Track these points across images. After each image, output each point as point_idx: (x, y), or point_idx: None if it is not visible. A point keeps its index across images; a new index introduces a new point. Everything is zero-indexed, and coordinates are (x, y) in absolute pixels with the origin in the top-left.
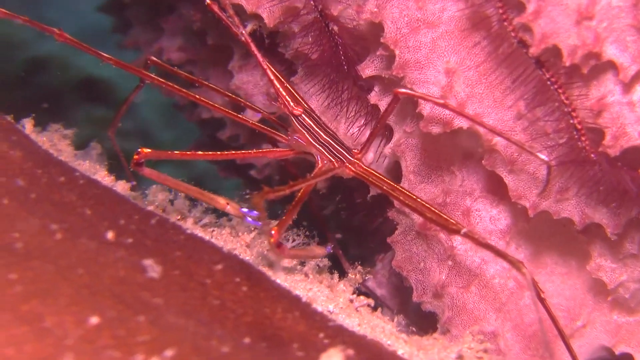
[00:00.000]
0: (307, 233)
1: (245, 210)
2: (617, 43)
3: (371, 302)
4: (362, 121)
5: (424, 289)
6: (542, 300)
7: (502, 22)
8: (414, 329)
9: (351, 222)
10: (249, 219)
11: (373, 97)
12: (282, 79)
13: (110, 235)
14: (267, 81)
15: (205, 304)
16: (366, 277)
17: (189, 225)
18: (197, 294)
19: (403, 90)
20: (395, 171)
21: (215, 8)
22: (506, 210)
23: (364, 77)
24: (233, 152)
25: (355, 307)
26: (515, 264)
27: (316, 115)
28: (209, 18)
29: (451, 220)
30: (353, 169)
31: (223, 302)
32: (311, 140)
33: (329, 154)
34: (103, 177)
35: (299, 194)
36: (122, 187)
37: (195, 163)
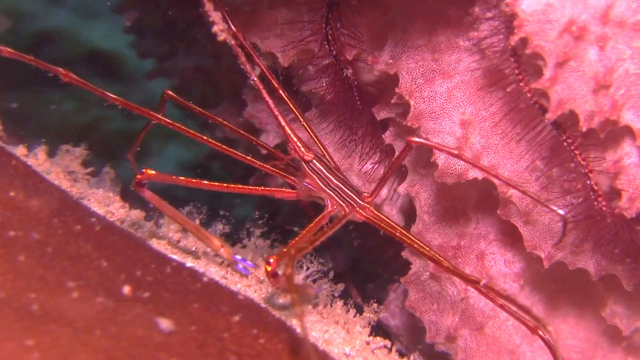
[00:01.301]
0: (321, 260)
1: (238, 257)
2: (635, 109)
3: (388, 343)
4: (376, 158)
5: (437, 330)
6: None
7: (518, 82)
8: None
9: (364, 251)
10: (240, 266)
11: (388, 137)
12: (300, 115)
13: (127, 290)
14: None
15: None
16: (381, 316)
17: (203, 264)
18: (214, 350)
19: (417, 139)
20: (409, 210)
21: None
22: (521, 253)
23: (378, 119)
24: (240, 186)
25: (372, 350)
26: (537, 322)
27: (327, 159)
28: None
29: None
30: (364, 213)
31: (241, 357)
32: (321, 185)
33: (340, 199)
34: (117, 208)
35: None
36: (136, 215)
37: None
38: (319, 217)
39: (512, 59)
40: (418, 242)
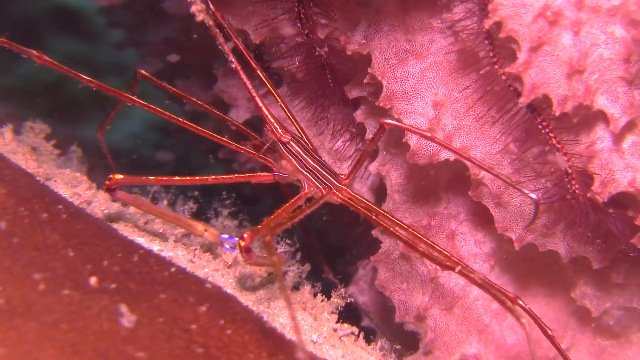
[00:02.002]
0: (288, 241)
1: (225, 237)
2: (608, 94)
3: (355, 330)
4: (348, 136)
5: (406, 309)
6: (551, 338)
7: (492, 65)
8: (397, 346)
9: (333, 226)
10: (227, 245)
11: (359, 116)
12: (277, 96)
13: (93, 281)
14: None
15: (190, 353)
16: (349, 301)
17: (170, 247)
18: (181, 342)
19: (390, 121)
20: (380, 188)
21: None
22: (491, 234)
23: (350, 98)
24: (214, 177)
25: (340, 337)
26: (512, 306)
27: (304, 141)
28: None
29: (445, 253)
30: (341, 195)
31: (207, 350)
32: (298, 167)
33: (317, 181)
34: (85, 189)
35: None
36: (103, 197)
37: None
38: (295, 199)
39: (486, 42)
40: (396, 221)
